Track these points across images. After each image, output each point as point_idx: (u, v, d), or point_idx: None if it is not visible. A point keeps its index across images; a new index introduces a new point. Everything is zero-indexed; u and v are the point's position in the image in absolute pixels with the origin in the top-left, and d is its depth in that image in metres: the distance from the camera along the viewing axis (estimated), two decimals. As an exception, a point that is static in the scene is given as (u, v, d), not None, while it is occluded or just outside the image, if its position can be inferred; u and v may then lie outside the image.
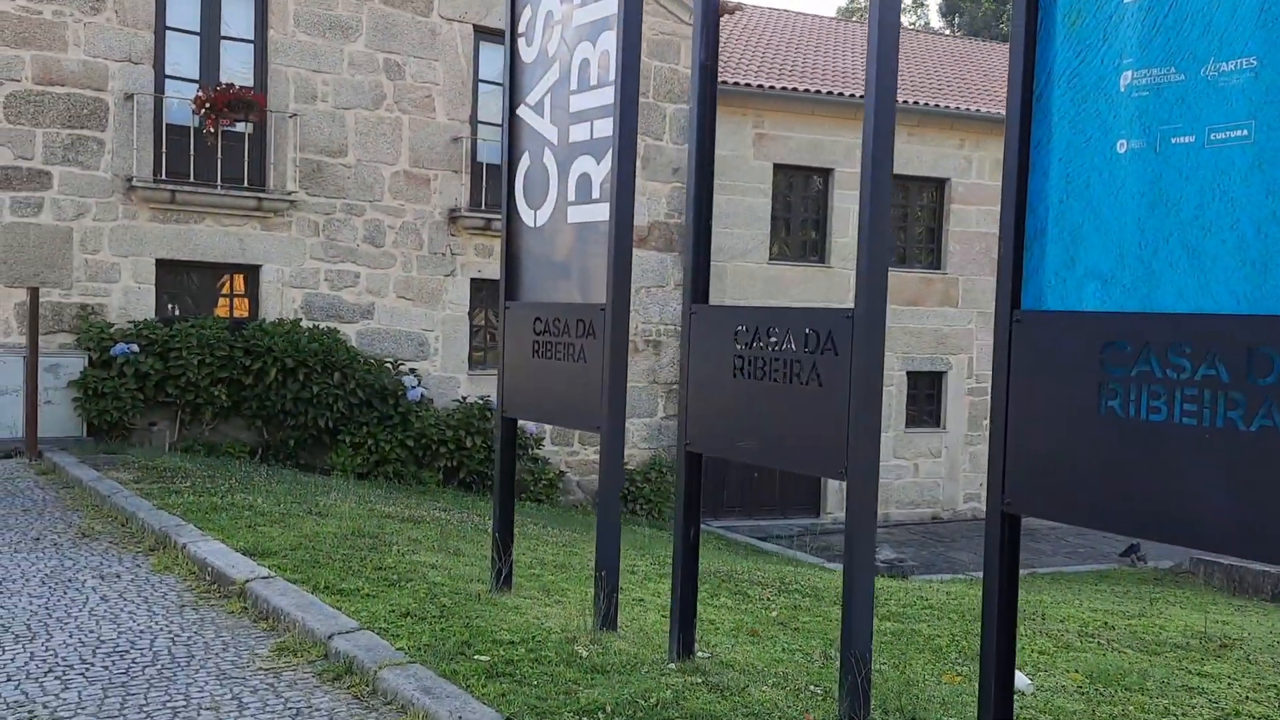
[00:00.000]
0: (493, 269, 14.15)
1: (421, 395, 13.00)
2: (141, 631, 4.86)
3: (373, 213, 13.40)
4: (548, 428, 14.46)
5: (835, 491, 17.89)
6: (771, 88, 16.86)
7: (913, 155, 17.91)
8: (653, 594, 6.33)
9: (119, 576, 5.89)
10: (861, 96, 17.30)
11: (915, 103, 17.67)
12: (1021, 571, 10.22)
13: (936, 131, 18.14)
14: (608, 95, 4.86)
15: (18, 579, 5.81)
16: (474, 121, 14.05)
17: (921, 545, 16.67)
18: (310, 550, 6.23)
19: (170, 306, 12.42)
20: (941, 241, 18.61)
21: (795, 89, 17.02)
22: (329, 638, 4.49)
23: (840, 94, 17.19)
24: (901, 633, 5.94)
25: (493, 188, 14.06)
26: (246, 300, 12.89)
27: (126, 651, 4.56)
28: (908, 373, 18.21)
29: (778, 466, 4.68)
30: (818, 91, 17.07)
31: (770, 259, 17.20)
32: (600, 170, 4.93)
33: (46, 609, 5.22)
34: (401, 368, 13.19)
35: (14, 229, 11.37)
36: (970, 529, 18.11)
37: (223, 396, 11.93)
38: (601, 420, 4.85)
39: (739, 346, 4.26)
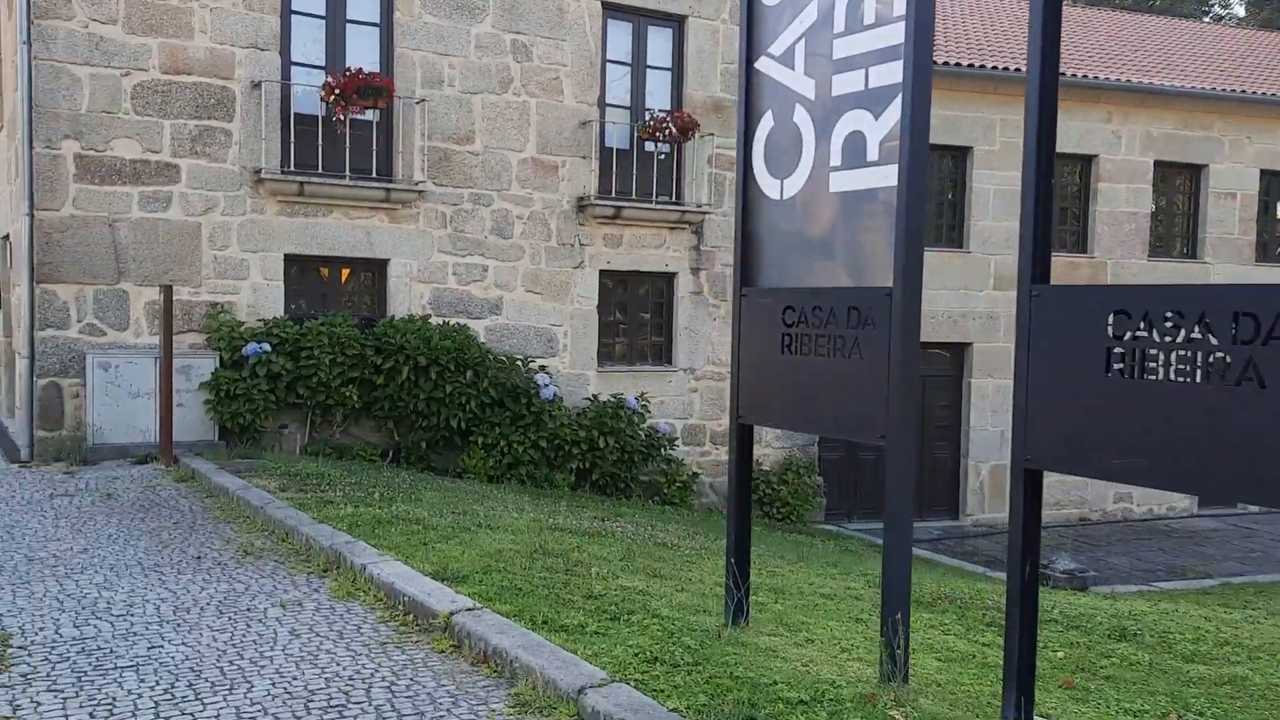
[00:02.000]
0: (623, 260, 13.43)
1: (554, 394, 12.32)
2: (350, 678, 4.18)
3: (500, 202, 12.75)
4: (679, 425, 13.71)
5: (974, 493, 16.85)
6: (906, 63, 15.82)
7: (1059, 131, 16.69)
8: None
9: (300, 605, 5.24)
10: (1003, 69, 16.17)
11: (1065, 74, 16.47)
12: (1209, 581, 9.11)
13: (1083, 105, 16.92)
14: (892, 34, 4.03)
15: (191, 607, 5.20)
16: (602, 104, 13.32)
17: (1075, 549, 15.53)
18: (503, 573, 5.52)
19: (297, 304, 11.91)
20: (1087, 223, 17.39)
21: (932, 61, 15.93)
22: (579, 692, 3.74)
23: (981, 66, 16.09)
24: (1228, 680, 4.96)
25: (622, 174, 13.32)
26: (372, 296, 12.34)
27: (344, 706, 3.87)
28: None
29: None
30: (956, 64, 15.99)
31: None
32: (880, 127, 4.10)
33: (235, 646, 4.58)
34: (531, 365, 12.52)
35: (143, 225, 10.95)
36: (1124, 532, 16.92)
37: (353, 397, 11.38)
38: (886, 429, 4.03)
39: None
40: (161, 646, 4.57)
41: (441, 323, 12.10)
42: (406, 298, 12.27)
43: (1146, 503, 17.89)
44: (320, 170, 11.64)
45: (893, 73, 4.02)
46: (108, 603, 5.28)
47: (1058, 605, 6.74)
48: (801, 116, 4.49)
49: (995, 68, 16.13)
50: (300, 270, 11.94)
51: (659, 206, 13.47)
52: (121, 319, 10.91)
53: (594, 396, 13.00)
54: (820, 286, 4.39)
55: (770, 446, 14.45)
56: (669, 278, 13.85)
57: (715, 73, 13.86)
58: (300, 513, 7.17)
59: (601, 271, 13.38)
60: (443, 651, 4.51)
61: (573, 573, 5.71)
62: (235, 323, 11.21)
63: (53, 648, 4.53)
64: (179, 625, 4.90)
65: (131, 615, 5.06)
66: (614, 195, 13.26)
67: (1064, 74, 16.48)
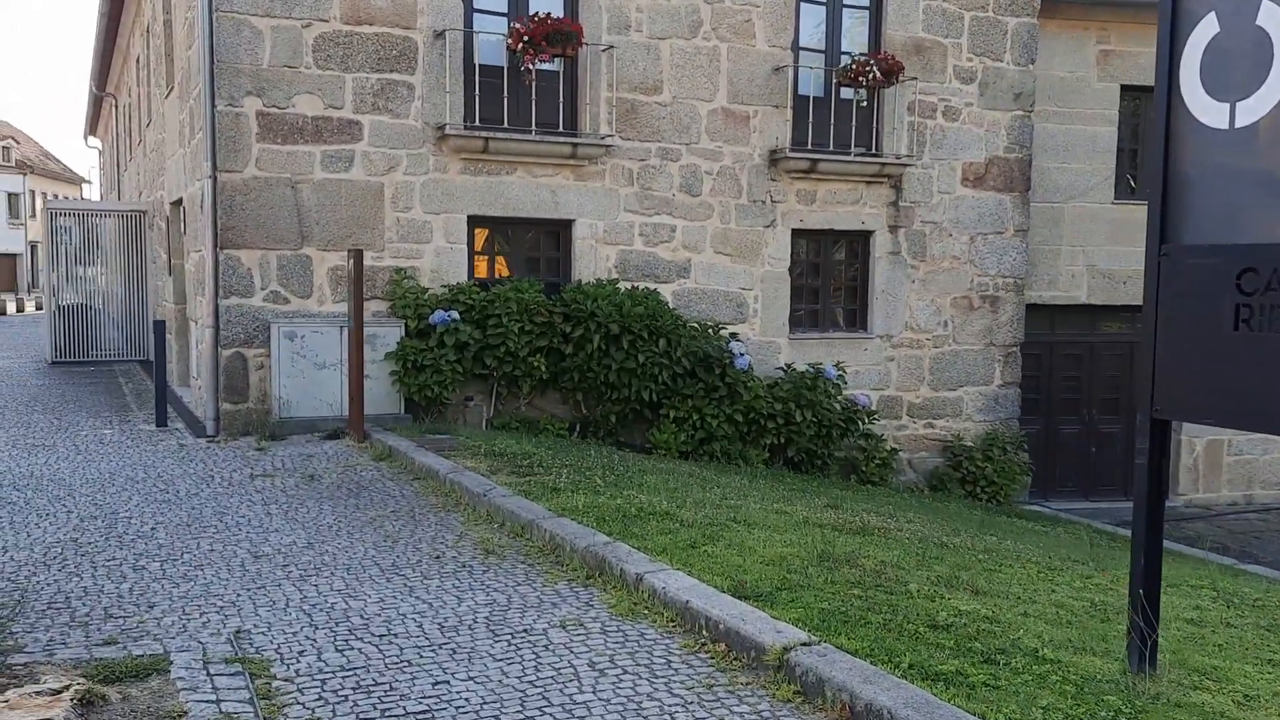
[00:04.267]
0: (816, 218, 12.36)
1: (748, 364, 11.38)
2: (699, 741, 3.35)
3: (689, 157, 11.80)
4: (874, 396, 12.62)
5: (1187, 470, 15.32)
6: (1118, -6, 14.23)
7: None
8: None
9: (581, 625, 4.44)
10: None
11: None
12: None
13: None
14: None
15: (458, 626, 4.45)
16: (795, 48, 12.21)
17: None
18: (808, 590, 4.63)
19: (481, 269, 11.22)
20: None
21: (1149, -5, 14.32)
22: (1031, 782, 2.81)
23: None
24: None
25: (819, 124, 12.22)
26: (557, 260, 11.58)
27: (717, 789, 3.03)
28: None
29: None
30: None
31: (1115, 198, 14.67)
32: None
33: (533, 685, 3.79)
34: (722, 333, 11.60)
35: (325, 187, 10.37)
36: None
37: (541, 367, 10.65)
38: None
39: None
40: (448, 683, 3.82)
41: (629, 287, 11.27)
42: (592, 261, 11.46)
43: (1382, 483, 16.07)
44: (505, 125, 10.87)
45: None
46: (361, 617, 4.58)
47: None
48: (1273, 16, 3.40)
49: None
50: (484, 232, 11.24)
51: (856, 159, 12.34)
52: (305, 286, 10.37)
53: (787, 366, 12.02)
54: (1305, 242, 3.32)
55: (971, 420, 13.28)
56: (865, 236, 12.73)
57: (918, 9, 12.60)
58: (532, 504, 6.41)
59: (794, 230, 12.34)
60: (789, 701, 3.64)
61: (883, 588, 4.78)
62: (420, 289, 10.57)
63: (323, 681, 3.82)
64: (454, 652, 4.14)
65: (394, 635, 4.33)
66: (809, 147, 12.18)
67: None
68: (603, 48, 11.21)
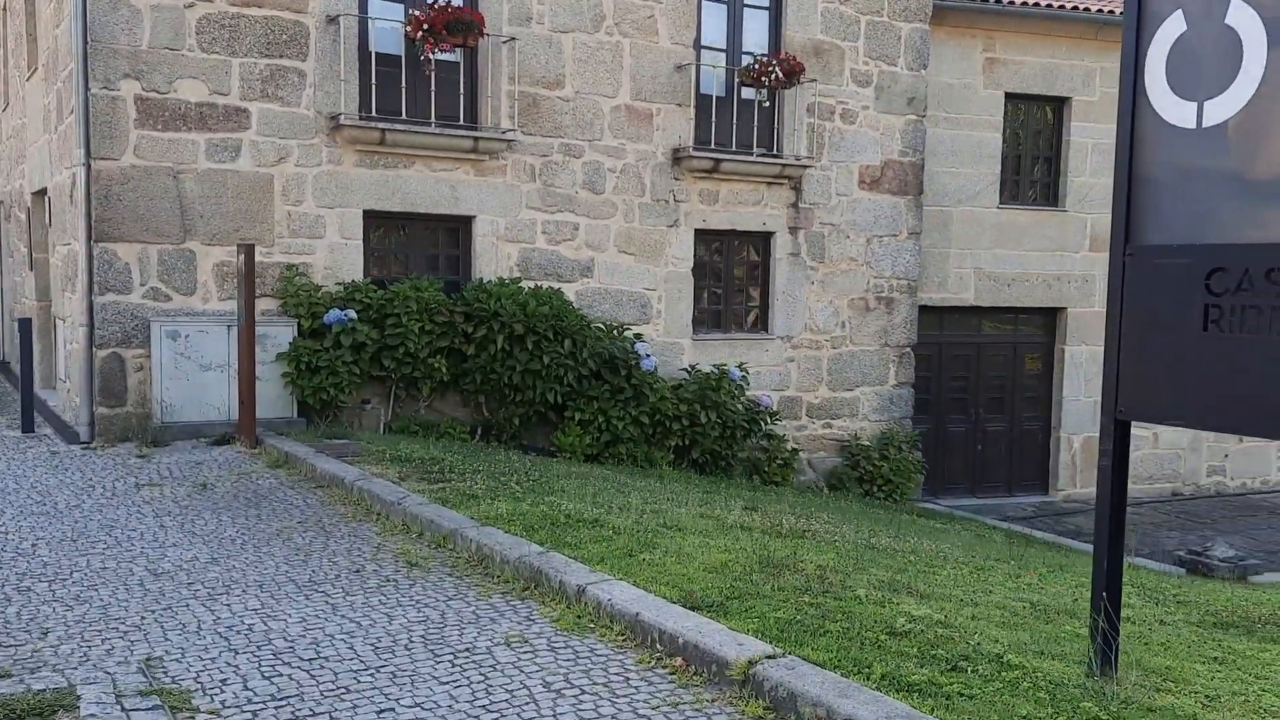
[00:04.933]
0: (719, 218, 12.31)
1: (654, 365, 11.24)
2: (678, 766, 3.15)
3: (592, 154, 11.58)
4: (775, 397, 12.64)
5: (1066, 466, 15.86)
6: (1003, 2, 14.60)
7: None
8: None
9: (527, 642, 4.19)
10: (1107, 12, 14.95)
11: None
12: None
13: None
14: None
15: (392, 646, 4.15)
16: (698, 46, 12.12)
17: (1183, 527, 14.60)
18: (759, 599, 4.49)
19: (377, 266, 10.78)
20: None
21: (1030, 2, 14.71)
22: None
23: (1082, 8, 14.88)
24: None
25: (722, 123, 12.16)
26: (458, 257, 11.20)
27: (710, 819, 2.84)
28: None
29: None
30: (1060, 5, 14.77)
31: (1000, 202, 15.08)
32: (1400, 26, 3.01)
33: (487, 710, 3.53)
34: (626, 333, 11.42)
35: (211, 177, 9.78)
36: (1222, 508, 15.98)
37: (442, 369, 10.29)
38: None
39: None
40: (393, 710, 3.53)
41: (533, 286, 10.99)
42: (493, 259, 11.14)
43: (1240, 476, 16.96)
44: (403, 117, 10.46)
45: None
46: (284, 639, 4.23)
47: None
48: (1242, 14, 3.40)
49: (1099, 11, 14.94)
50: (380, 228, 10.80)
51: (758, 160, 12.32)
52: (189, 282, 9.77)
53: (691, 367, 11.92)
54: (1270, 242, 3.31)
55: (867, 419, 13.43)
56: (766, 237, 12.74)
57: (817, 12, 12.67)
58: (453, 512, 6.12)
59: (697, 230, 12.26)
60: (760, 718, 3.48)
61: (832, 595, 4.67)
62: (313, 287, 10.08)
63: (254, 713, 3.48)
64: (395, 676, 3.84)
65: (325, 659, 4.01)
66: (712, 146, 12.11)
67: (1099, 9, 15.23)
68: (504, 39, 10.91)
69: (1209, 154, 3.51)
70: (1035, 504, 15.46)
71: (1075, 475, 15.94)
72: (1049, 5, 14.71)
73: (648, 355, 11.18)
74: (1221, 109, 3.47)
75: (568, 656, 4.03)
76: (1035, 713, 3.32)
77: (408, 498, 6.51)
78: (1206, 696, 3.70)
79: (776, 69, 11.91)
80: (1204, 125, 3.52)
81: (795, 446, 12.66)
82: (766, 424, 12.12)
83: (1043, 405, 15.86)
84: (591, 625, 4.36)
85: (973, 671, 3.69)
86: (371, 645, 4.16)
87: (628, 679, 3.82)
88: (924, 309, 14.23)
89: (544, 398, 10.61)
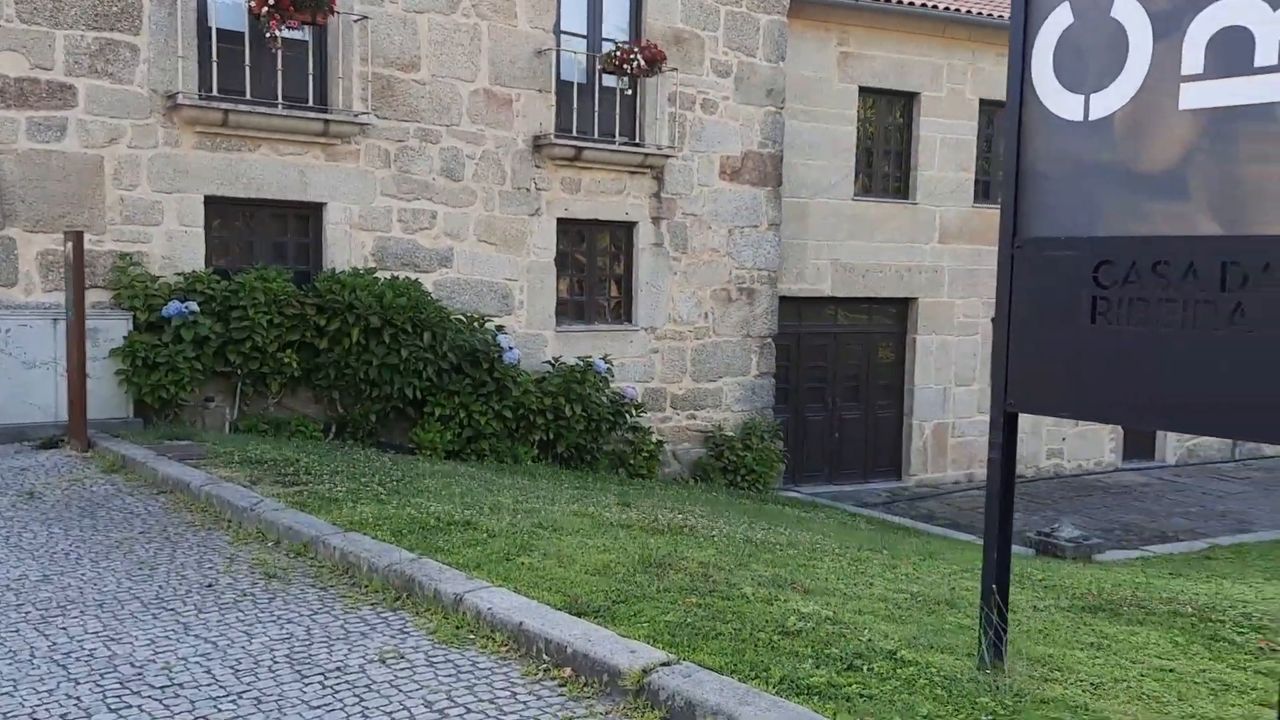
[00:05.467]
0: (582, 207, 12.12)
1: (518, 358, 10.98)
2: (578, 789, 2.96)
3: (450, 139, 11.21)
4: (639, 388, 12.55)
5: (918, 452, 16.35)
6: None
7: (999, 79, 16.14)
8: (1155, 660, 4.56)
9: (403, 657, 3.92)
10: (953, 10, 15.39)
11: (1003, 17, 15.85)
12: (1197, 543, 8.67)
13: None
14: (1322, -106, 2.98)
15: (254, 668, 3.81)
16: (558, 31, 11.89)
17: (1028, 509, 15.24)
18: (646, 601, 4.34)
19: (220, 255, 10.14)
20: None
21: None
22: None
23: (931, 6, 15.29)
24: None
25: (583, 111, 11.98)
26: (309, 246, 10.66)
27: None
28: (992, 320, 16.59)
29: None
30: (910, 2, 15.13)
31: (855, 195, 15.39)
32: (1282, 21, 3.06)
33: (365, 738, 3.26)
34: (487, 325, 11.11)
35: (32, 158, 9.01)
36: (1062, 489, 16.76)
37: (293, 364, 9.78)
38: (1294, 423, 3.03)
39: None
40: (260, 743, 3.22)
41: (389, 276, 10.56)
42: (347, 248, 10.66)
43: (1076, 458, 17.85)
44: (247, 97, 9.87)
45: (1320, -55, 2.98)
46: (132, 664, 3.84)
47: (1148, 589, 5.96)
48: (1128, 7, 3.41)
49: (946, 9, 15.39)
50: (223, 215, 10.17)
51: (620, 148, 12.17)
52: (8, 273, 8.97)
53: (555, 359, 11.71)
54: (1164, 235, 3.34)
55: (731, 410, 13.50)
56: (629, 227, 12.62)
57: (677, 0, 12.61)
58: (312, 518, 5.75)
59: (559, 219, 12.04)
60: (659, 729, 3.32)
61: (719, 594, 4.56)
62: (150, 277, 9.42)
63: (100, 756, 3.12)
64: (260, 701, 3.52)
65: (180, 686, 3.64)
66: (574, 134, 11.91)
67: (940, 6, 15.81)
68: (355, 18, 10.43)
69: (1096, 147, 3.52)
70: (889, 489, 15.89)
71: (926, 461, 16.45)
72: (899, 1, 15.05)
73: (511, 348, 10.91)
74: (1108, 102, 3.48)
75: (448, 672, 3.78)
76: (935, 711, 3.27)
77: (262, 503, 6.10)
78: (1091, 684, 3.74)
79: (638, 57, 11.78)
80: (1091, 118, 3.53)
81: (660, 438, 12.61)
82: (632, 416, 12.02)
83: (896, 393, 16.30)
84: (471, 636, 4.12)
85: (869, 670, 3.63)
86: (231, 668, 3.82)
87: (514, 694, 3.60)
88: (783, 299, 14.38)
89: (402, 393, 10.22)
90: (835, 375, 15.62)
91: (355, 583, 4.88)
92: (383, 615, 4.43)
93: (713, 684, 3.41)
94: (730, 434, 13.28)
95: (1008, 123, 3.74)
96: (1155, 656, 4.24)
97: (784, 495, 13.36)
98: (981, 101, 16.16)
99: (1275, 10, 3.09)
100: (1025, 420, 17.47)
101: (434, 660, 3.90)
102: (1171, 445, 18.63)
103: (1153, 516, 14.90)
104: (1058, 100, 3.61)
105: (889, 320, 16.14)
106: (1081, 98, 3.55)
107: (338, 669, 3.81)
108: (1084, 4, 3.54)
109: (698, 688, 3.39)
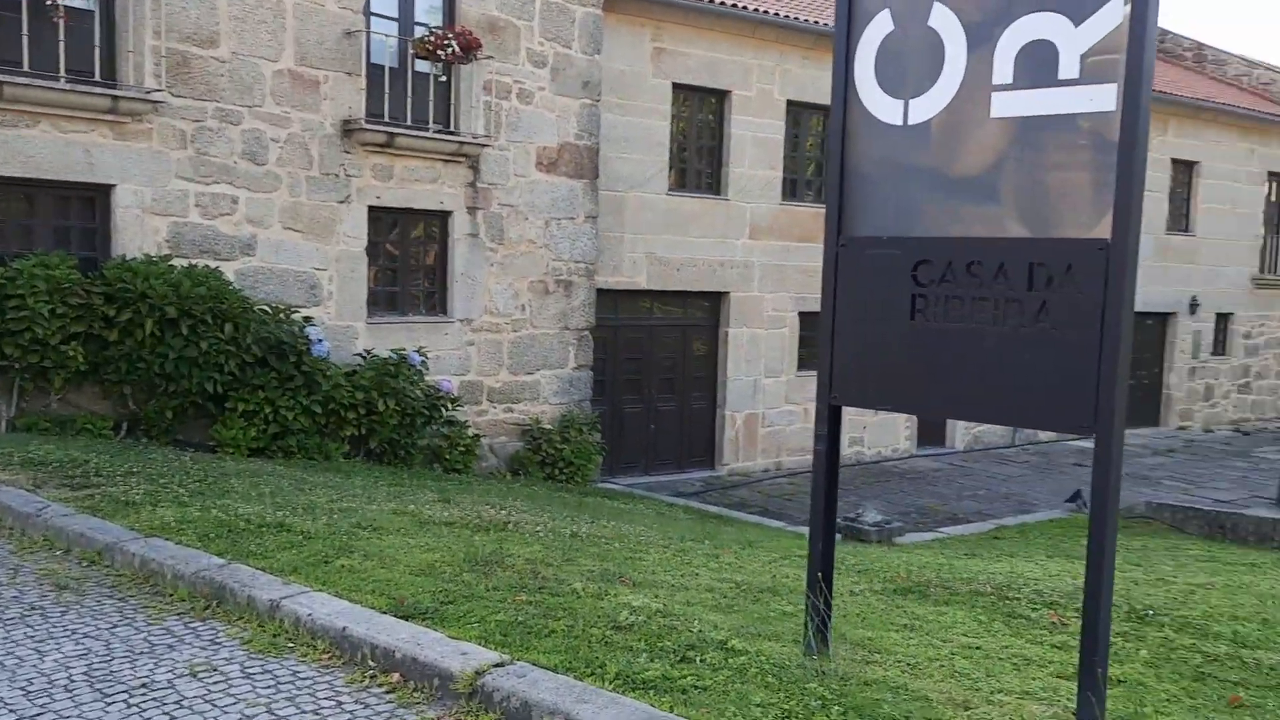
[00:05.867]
0: (394, 195, 11.79)
1: (327, 350, 10.58)
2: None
3: (252, 121, 10.66)
4: (456, 381, 12.33)
5: (730, 442, 16.77)
6: (670, -5, 15.06)
7: (806, 80, 16.78)
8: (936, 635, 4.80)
9: (216, 670, 3.69)
10: (761, 11, 15.86)
11: (814, 21, 16.47)
12: (984, 524, 9.38)
13: (830, 56, 16.95)
14: (1118, -81, 3.19)
15: (44, 688, 3.51)
16: (367, 13, 11.50)
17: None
18: (473, 600, 4.25)
19: (-8, 238, 9.32)
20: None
21: (695, -5, 15.27)
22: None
23: (742, 7, 15.66)
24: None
25: (396, 96, 11.64)
26: (95, 231, 9.91)
27: None
28: (799, 313, 17.24)
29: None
30: (721, 1, 15.46)
31: (670, 189, 15.61)
32: (1083, 36, 3.27)
33: (177, 760, 3.05)
34: (294, 316, 10.66)
35: None
36: (862, 475, 17.56)
37: (78, 357, 9.09)
38: (1093, 417, 3.25)
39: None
40: (58, 773, 2.95)
41: (186, 265, 9.96)
42: (139, 233, 9.98)
43: (875, 445, 18.72)
44: (25, 69, 9.09)
45: (1112, -32, 3.19)
46: (-101, 696, 3.45)
47: (953, 572, 6.35)
48: (944, 18, 3.57)
49: (756, 10, 15.81)
50: (-4, 195, 9.35)
51: (434, 136, 11.90)
52: None
53: (367, 351, 11.35)
54: (977, 236, 3.52)
55: (549, 403, 13.46)
56: (444, 217, 12.36)
57: (494, -12, 12.43)
58: (106, 523, 5.35)
59: (371, 207, 11.66)
60: (495, 733, 3.25)
61: (548, 591, 4.52)
62: (-89, 262, 8.55)
63: None
64: (55, 728, 3.24)
65: (-41, 716, 3.31)
66: (385, 120, 11.55)
67: (823, 23, 16.44)
68: (150, -12, 9.77)
69: (915, 151, 3.67)
70: (704, 479, 16.22)
71: (738, 450, 16.88)
72: (711, 0, 15.33)
73: (320, 340, 10.51)
74: (926, 108, 3.63)
75: (267, 683, 3.59)
76: (768, 699, 3.33)
77: (48, 508, 5.63)
78: (909, 665, 3.91)
79: (453, 43, 11.54)
80: (910, 122, 3.67)
81: (477, 432, 12.43)
82: (448, 410, 11.79)
83: (709, 385, 16.64)
84: (290, 644, 3.92)
85: (701, 661, 3.67)
86: (21, 689, 3.49)
87: (340, 703, 3.45)
88: (600, 292, 14.44)
89: (202, 388, 9.67)
90: (651, 367, 15.82)
91: (159, 592, 4.56)
92: (191, 626, 4.16)
93: (549, 683, 3.37)
94: (548, 427, 13.24)
95: (832, 124, 3.85)
96: (963, 635, 4.48)
97: (602, 487, 13.43)
98: (789, 102, 16.68)
99: (1077, 26, 3.29)
100: (829, 410, 18.20)
101: (250, 672, 3.69)
102: (960, 433, 19.82)
103: (945, 500, 15.80)
104: (879, 104, 3.74)
105: (702, 313, 16.46)
106: (901, 103, 3.69)
107: (144, 685, 3.55)
108: (903, 12, 3.67)
109: (533, 688, 3.34)
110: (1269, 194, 24.23)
